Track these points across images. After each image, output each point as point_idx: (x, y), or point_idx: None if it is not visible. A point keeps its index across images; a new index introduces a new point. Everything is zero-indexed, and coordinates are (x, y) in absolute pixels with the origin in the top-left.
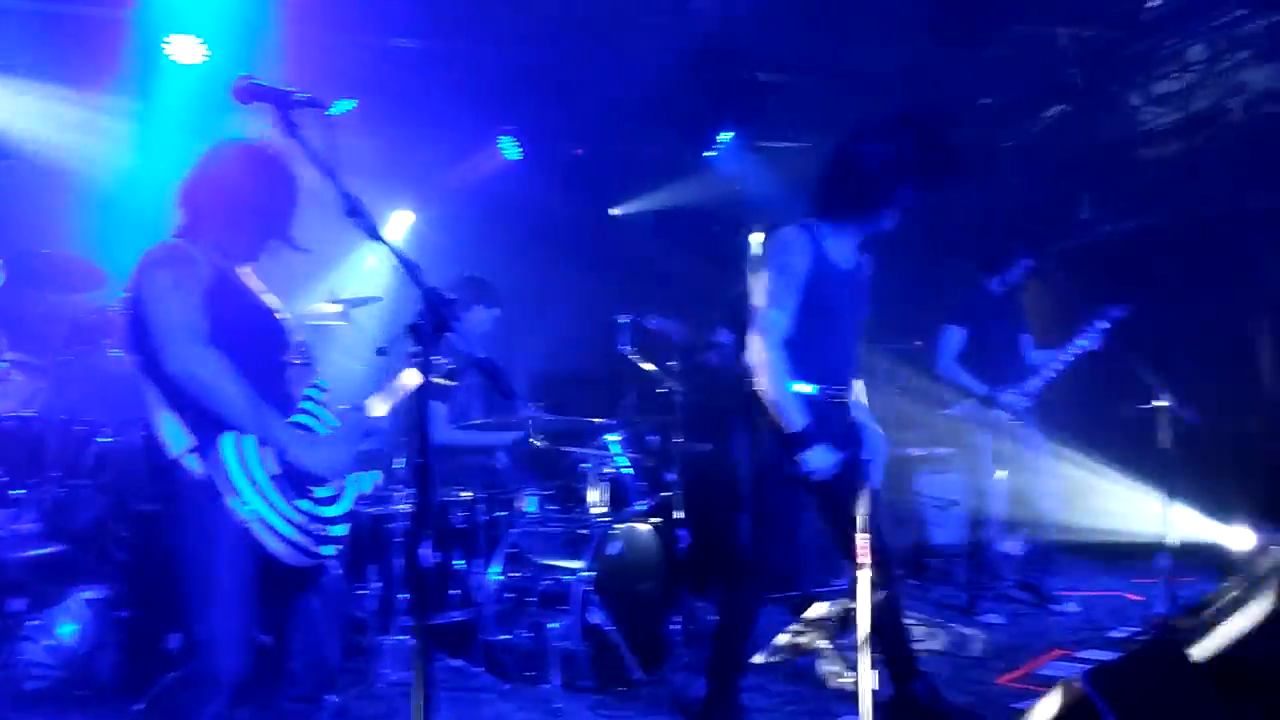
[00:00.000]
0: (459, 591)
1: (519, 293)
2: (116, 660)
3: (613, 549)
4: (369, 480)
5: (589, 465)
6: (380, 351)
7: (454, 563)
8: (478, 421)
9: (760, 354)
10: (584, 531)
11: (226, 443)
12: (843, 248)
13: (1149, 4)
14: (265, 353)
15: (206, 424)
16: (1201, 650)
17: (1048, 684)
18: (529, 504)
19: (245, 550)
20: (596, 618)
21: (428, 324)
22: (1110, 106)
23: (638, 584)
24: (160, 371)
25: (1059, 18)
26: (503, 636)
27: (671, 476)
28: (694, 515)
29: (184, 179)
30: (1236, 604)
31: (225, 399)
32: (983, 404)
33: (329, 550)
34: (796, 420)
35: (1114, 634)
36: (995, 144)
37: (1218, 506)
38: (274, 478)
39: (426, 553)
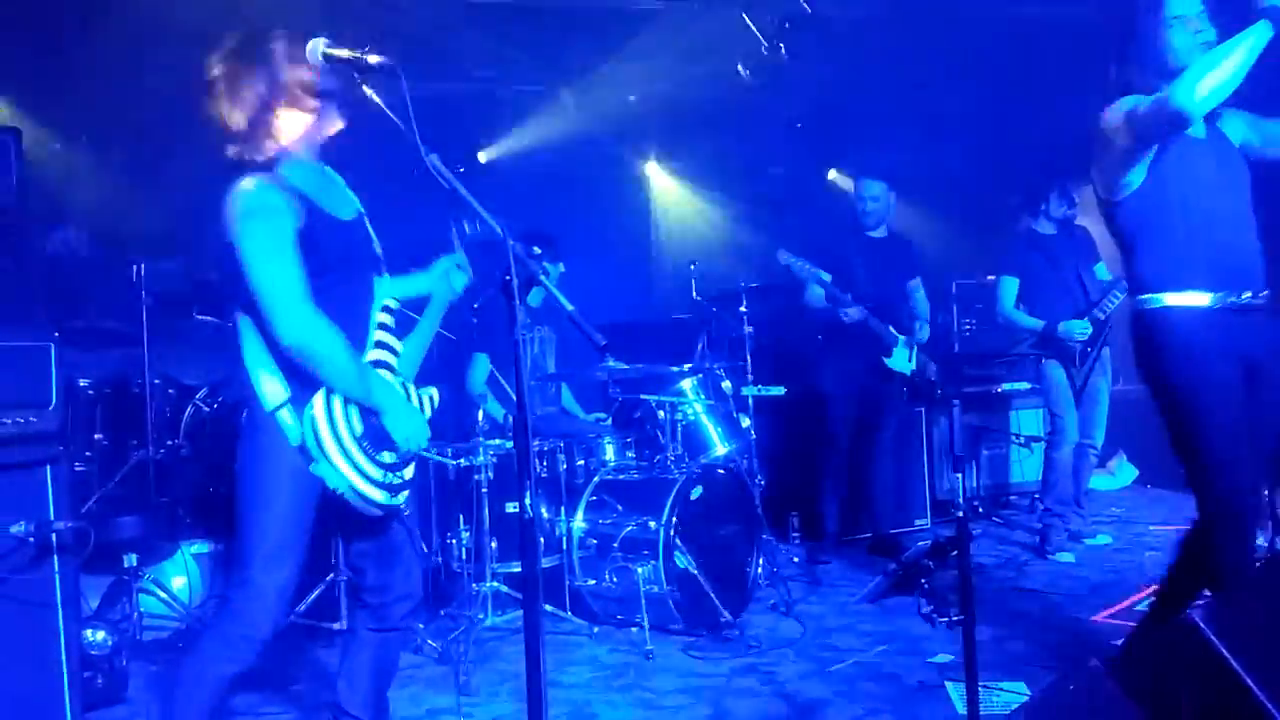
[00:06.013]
0: (544, 539)
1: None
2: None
3: (693, 494)
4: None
5: (666, 412)
6: (475, 309)
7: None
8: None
9: None
10: (664, 477)
11: (321, 398)
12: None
13: None
14: (357, 290)
15: (305, 377)
16: None
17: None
18: (608, 452)
19: (326, 505)
20: (681, 561)
21: (518, 280)
22: None
23: (719, 528)
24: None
25: None
26: (590, 582)
27: (748, 420)
28: (771, 458)
29: None
30: None
31: (339, 373)
32: (1044, 340)
33: (404, 497)
34: None
35: None
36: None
37: None
38: (359, 436)
39: (531, 500)
